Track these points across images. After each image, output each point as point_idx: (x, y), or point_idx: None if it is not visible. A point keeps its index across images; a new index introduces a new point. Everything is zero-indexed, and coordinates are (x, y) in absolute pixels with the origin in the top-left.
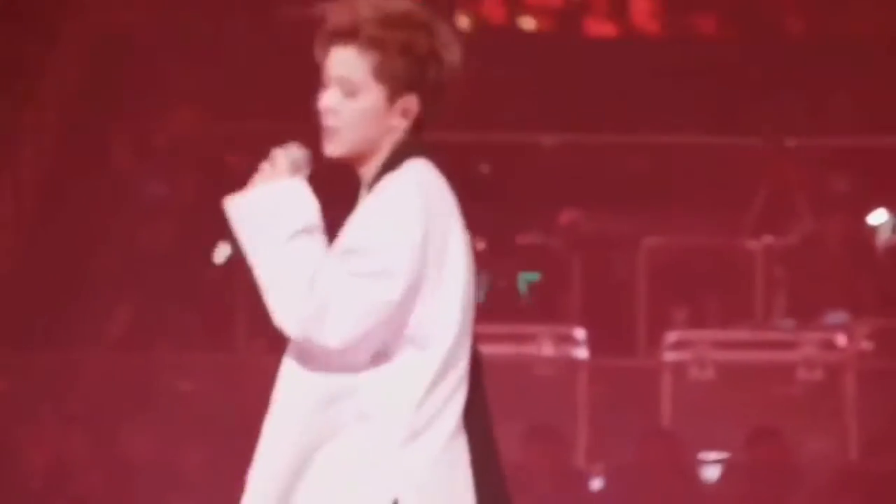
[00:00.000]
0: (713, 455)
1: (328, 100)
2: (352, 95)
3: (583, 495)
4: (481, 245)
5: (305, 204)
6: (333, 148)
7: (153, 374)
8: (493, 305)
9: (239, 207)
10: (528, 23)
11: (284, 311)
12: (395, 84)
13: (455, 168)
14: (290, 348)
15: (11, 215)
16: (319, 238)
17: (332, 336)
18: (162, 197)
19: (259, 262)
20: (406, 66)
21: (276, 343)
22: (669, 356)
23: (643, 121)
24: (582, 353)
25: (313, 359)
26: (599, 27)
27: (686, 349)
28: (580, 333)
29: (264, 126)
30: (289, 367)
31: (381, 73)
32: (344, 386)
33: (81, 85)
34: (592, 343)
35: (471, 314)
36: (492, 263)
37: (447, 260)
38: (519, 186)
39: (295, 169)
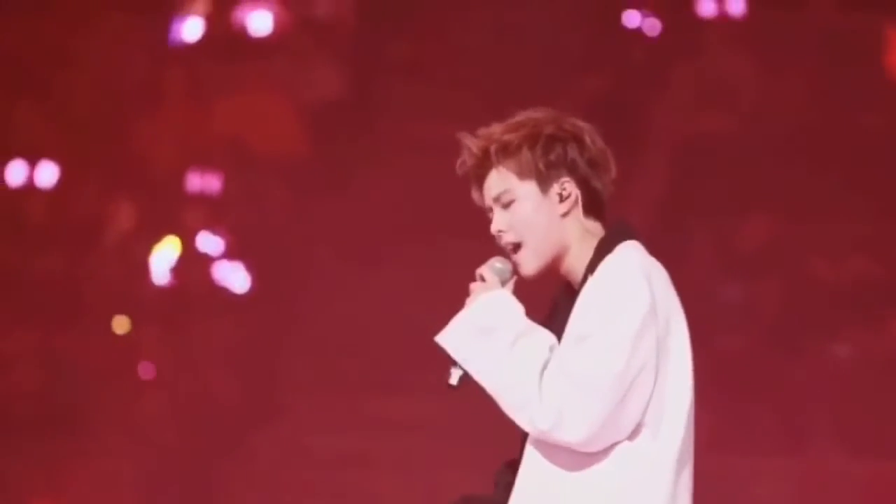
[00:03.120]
0: None
1: (496, 224)
2: (510, 206)
3: None
4: None
5: (511, 310)
6: (526, 266)
7: (734, 479)
8: None
9: (450, 337)
10: None
11: (523, 417)
12: (540, 174)
13: None
14: (531, 439)
15: None
16: (538, 337)
17: (574, 433)
18: (740, 302)
19: (487, 379)
20: (542, 154)
21: (857, 448)
22: None
23: None
24: None
25: (553, 449)
26: None
27: None
28: None
29: (848, 228)
30: (532, 457)
31: (522, 171)
32: (586, 475)
33: (666, 186)
34: None
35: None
36: None
37: (671, 341)
38: None
39: (503, 281)
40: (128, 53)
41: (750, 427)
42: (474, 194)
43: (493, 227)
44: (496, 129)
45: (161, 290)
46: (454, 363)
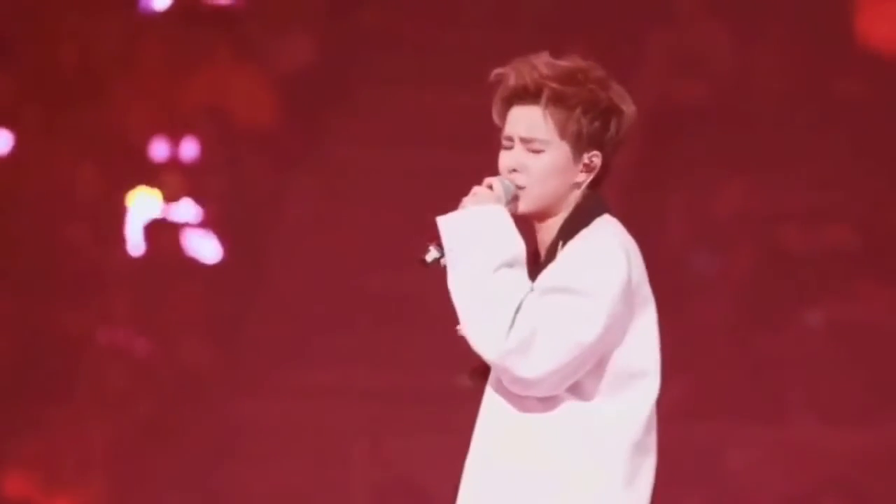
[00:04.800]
0: None
1: (514, 161)
2: (538, 153)
3: None
4: None
5: (515, 235)
6: (524, 205)
7: (707, 447)
8: None
9: (453, 224)
10: None
11: (486, 338)
12: (580, 141)
13: None
14: (493, 378)
15: None
16: (523, 273)
17: (532, 368)
18: (714, 270)
19: (462, 283)
20: (590, 122)
21: (831, 416)
22: None
23: None
24: None
25: (509, 391)
26: None
27: None
28: None
29: (822, 196)
30: (490, 396)
31: (566, 131)
32: (540, 420)
33: (640, 154)
34: None
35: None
36: None
37: (637, 317)
38: None
39: (506, 201)
40: (99, 20)
41: (723, 395)
42: (496, 110)
43: (509, 163)
44: (547, 69)
45: (133, 258)
46: (437, 244)
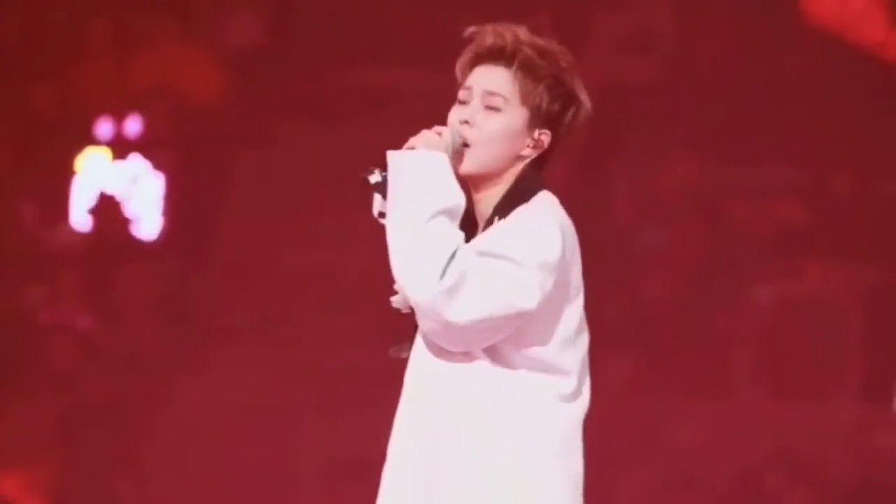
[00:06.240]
0: None
1: (468, 114)
2: (496, 111)
3: None
4: None
5: (458, 187)
6: (467, 164)
7: (655, 423)
8: None
9: (403, 162)
10: None
11: (419, 278)
12: (537, 115)
13: None
14: (419, 346)
15: None
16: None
17: (459, 312)
18: (662, 247)
19: (401, 221)
20: (551, 100)
21: (778, 391)
22: None
23: None
24: None
25: (439, 347)
26: None
27: None
28: None
29: (770, 173)
30: (416, 363)
31: (528, 99)
32: (468, 387)
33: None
34: None
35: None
36: None
37: (561, 297)
38: None
39: (452, 151)
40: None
41: (671, 370)
42: (461, 64)
43: (462, 115)
44: (526, 37)
45: (79, 236)
46: (383, 171)
